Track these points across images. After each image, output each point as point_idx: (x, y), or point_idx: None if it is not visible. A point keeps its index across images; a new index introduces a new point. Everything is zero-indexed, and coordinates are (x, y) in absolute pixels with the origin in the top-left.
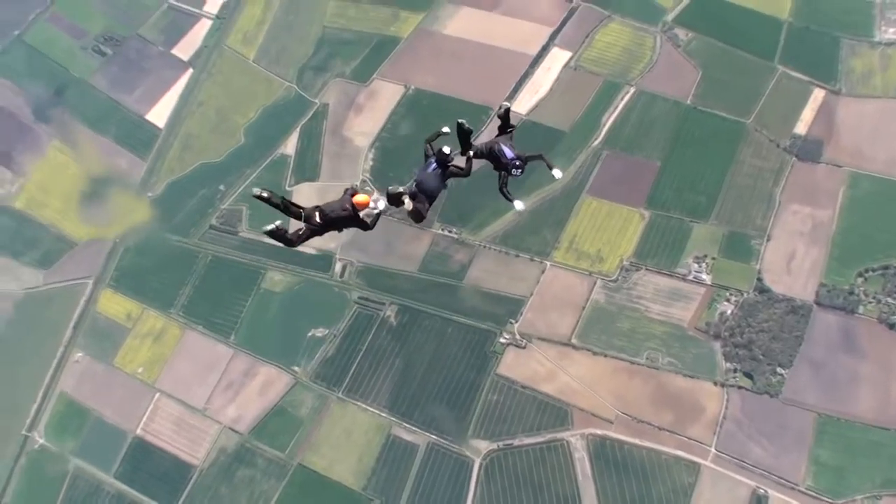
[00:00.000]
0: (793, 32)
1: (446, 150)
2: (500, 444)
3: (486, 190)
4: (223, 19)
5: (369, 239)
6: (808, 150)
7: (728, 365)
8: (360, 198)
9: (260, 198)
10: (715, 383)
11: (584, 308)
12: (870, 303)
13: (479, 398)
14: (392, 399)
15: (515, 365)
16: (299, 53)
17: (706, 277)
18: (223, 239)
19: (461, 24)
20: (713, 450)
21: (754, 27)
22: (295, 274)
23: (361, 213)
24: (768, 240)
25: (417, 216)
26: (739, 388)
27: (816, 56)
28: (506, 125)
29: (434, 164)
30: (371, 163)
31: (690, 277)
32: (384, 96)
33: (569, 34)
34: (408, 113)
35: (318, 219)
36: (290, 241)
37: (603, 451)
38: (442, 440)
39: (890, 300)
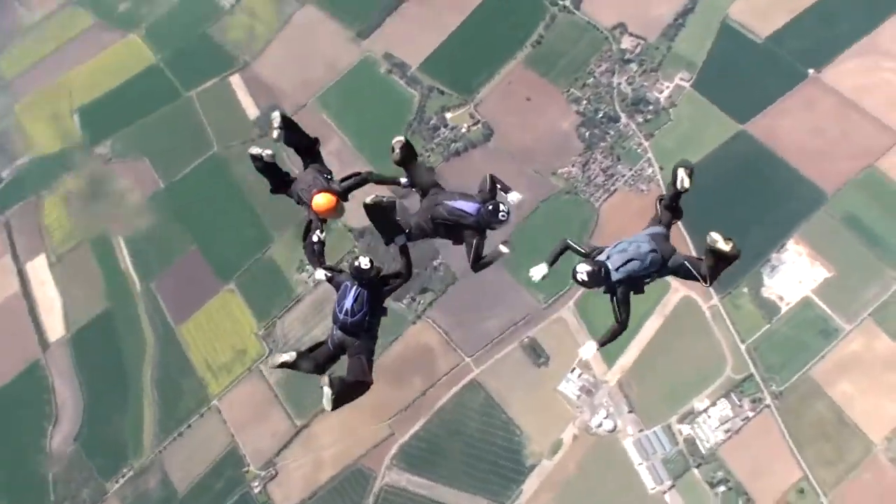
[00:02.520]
0: None
1: (365, 262)
2: None
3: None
4: None
5: None
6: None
7: (403, 304)
8: (319, 199)
9: None
10: (414, 322)
11: (275, 395)
12: None
13: None
14: None
15: (287, 491)
16: None
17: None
18: None
19: None
20: (468, 359)
21: None
22: None
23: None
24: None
25: (358, 389)
26: (430, 304)
27: None
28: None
29: (355, 290)
30: None
31: (307, 288)
32: None
33: None
34: None
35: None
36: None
37: (412, 458)
38: None
39: None
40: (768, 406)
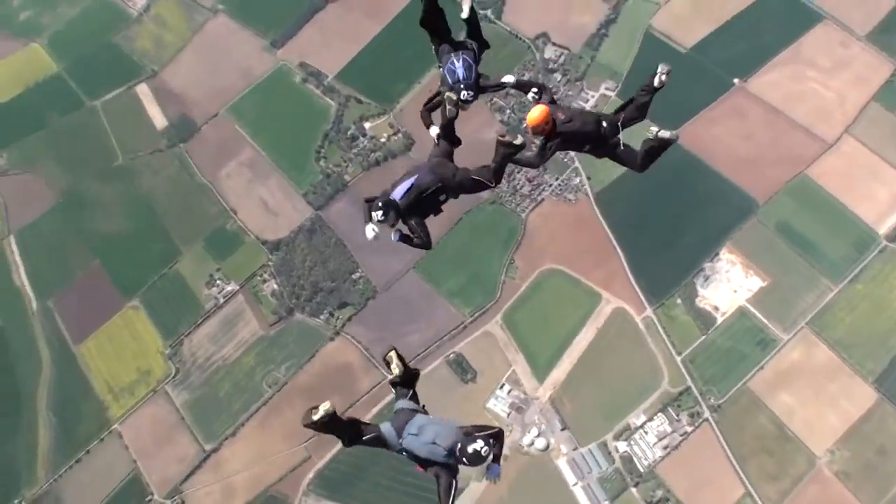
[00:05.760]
0: None
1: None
2: None
3: None
4: None
5: None
6: None
7: (320, 320)
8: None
9: None
10: (332, 339)
11: (182, 418)
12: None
13: None
14: None
15: None
16: None
17: (230, 288)
18: None
19: None
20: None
21: None
22: None
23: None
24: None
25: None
26: (349, 319)
27: None
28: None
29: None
30: None
31: (216, 304)
32: None
33: None
34: None
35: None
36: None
37: (331, 482)
38: None
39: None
40: (707, 420)
